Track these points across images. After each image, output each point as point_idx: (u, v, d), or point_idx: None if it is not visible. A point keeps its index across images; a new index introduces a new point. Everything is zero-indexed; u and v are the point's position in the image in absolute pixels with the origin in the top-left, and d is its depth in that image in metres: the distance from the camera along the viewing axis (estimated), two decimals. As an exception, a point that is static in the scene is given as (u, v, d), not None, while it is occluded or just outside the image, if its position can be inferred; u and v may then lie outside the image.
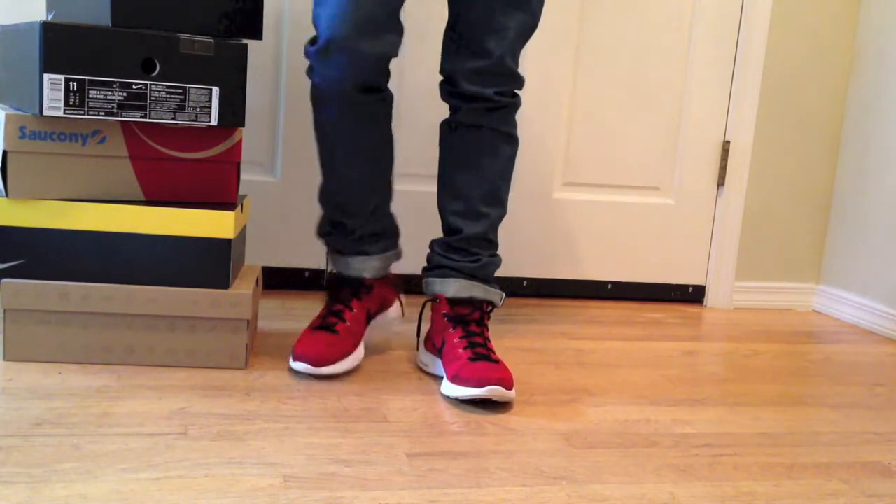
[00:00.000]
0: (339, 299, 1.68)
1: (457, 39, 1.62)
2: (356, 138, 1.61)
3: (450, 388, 1.54)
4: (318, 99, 1.60)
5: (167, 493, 1.14)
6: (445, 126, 1.70)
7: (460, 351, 1.56)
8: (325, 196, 1.69)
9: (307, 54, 1.55)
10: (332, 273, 1.72)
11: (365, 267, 1.70)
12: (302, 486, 1.19)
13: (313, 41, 1.53)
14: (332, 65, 1.51)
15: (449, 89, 1.65)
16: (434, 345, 1.66)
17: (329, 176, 1.66)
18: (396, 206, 2.30)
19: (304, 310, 2.05)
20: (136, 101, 1.52)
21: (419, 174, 2.25)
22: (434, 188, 2.27)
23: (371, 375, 1.64)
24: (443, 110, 1.98)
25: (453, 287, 1.66)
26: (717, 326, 2.27)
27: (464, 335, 1.59)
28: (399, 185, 2.23)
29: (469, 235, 1.67)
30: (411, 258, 2.32)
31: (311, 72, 1.57)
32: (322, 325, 1.64)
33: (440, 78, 1.68)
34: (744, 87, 2.39)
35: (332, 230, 1.70)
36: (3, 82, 1.68)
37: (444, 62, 1.65)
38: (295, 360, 1.60)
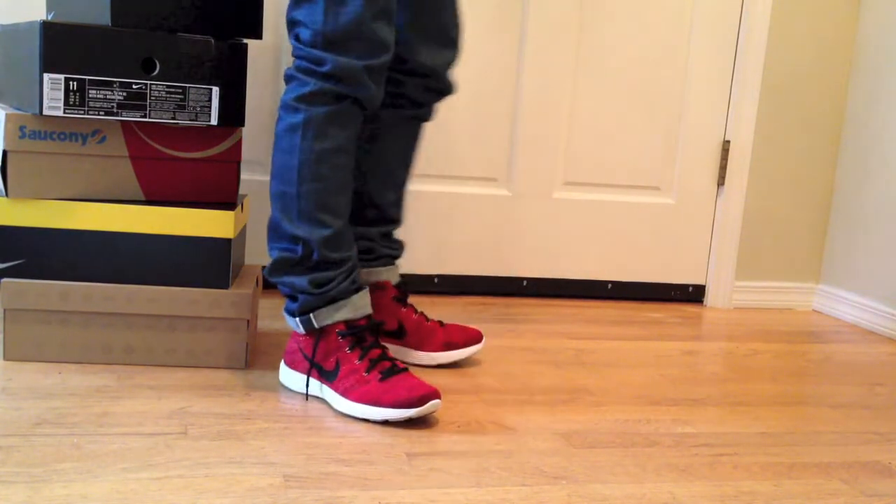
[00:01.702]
0: (372, 343, 1.52)
1: (423, 31, 1.61)
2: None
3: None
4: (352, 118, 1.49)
5: (167, 492, 1.14)
6: (416, 122, 1.71)
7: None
8: (328, 241, 1.48)
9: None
10: (344, 327, 1.51)
11: (367, 301, 1.55)
12: (302, 485, 1.19)
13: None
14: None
15: (429, 84, 1.65)
16: (387, 329, 1.72)
17: (336, 211, 1.49)
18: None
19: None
20: (135, 100, 1.52)
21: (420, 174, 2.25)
22: (427, 187, 2.27)
23: (371, 375, 1.64)
24: (443, 111, 2.00)
25: (396, 274, 1.74)
26: (717, 326, 2.27)
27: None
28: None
29: (399, 225, 1.75)
30: (410, 257, 2.32)
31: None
32: (392, 369, 1.47)
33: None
34: (744, 87, 2.39)
35: (321, 284, 1.49)
36: (3, 82, 1.68)
37: (418, 56, 1.62)
38: (416, 405, 1.42)
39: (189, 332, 1.58)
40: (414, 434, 1.39)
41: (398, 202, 1.73)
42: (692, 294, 2.48)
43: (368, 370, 1.45)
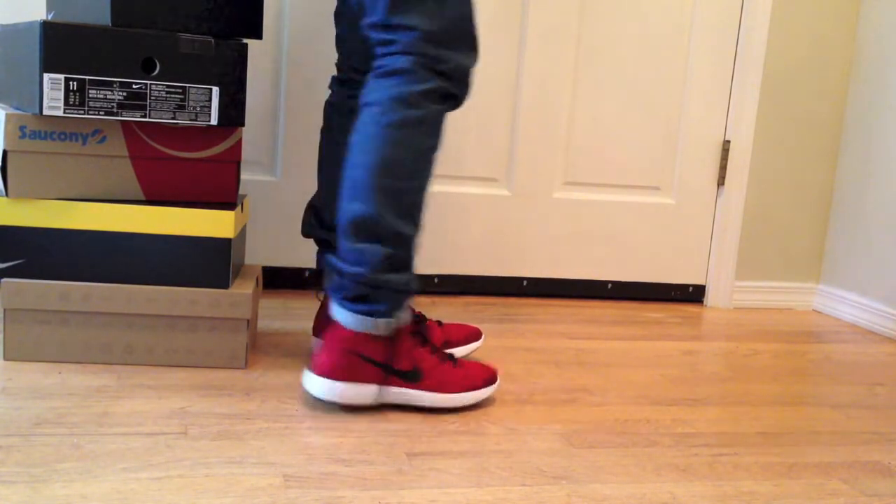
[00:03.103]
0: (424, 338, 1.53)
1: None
2: None
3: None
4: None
5: (167, 492, 1.14)
6: None
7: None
8: (417, 240, 1.49)
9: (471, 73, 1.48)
10: (413, 326, 1.52)
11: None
12: (302, 485, 1.19)
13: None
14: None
15: None
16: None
17: (423, 210, 1.50)
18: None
19: (304, 309, 2.05)
20: (136, 100, 1.52)
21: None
22: (446, 188, 2.27)
23: (371, 375, 1.64)
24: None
25: None
26: (717, 326, 2.27)
27: None
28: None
29: None
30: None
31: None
32: (450, 355, 1.53)
33: None
34: (744, 87, 2.39)
35: (410, 283, 1.48)
36: (3, 82, 1.68)
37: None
38: (495, 379, 1.54)
39: (189, 332, 1.58)
40: (414, 434, 1.40)
41: None
42: (692, 294, 2.48)
43: (443, 361, 1.50)
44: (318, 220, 1.69)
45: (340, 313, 1.44)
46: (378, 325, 1.44)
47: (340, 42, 1.70)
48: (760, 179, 2.45)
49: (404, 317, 1.47)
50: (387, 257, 1.42)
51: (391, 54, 1.42)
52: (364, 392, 1.45)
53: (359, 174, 1.41)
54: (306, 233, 1.71)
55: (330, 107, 1.71)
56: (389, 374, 1.46)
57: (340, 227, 1.44)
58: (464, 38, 1.44)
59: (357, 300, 1.43)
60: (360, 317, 1.43)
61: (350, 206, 1.42)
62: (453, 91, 1.45)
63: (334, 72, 2.15)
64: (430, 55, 1.41)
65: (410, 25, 1.40)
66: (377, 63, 1.44)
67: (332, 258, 1.46)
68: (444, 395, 1.49)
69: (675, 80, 2.37)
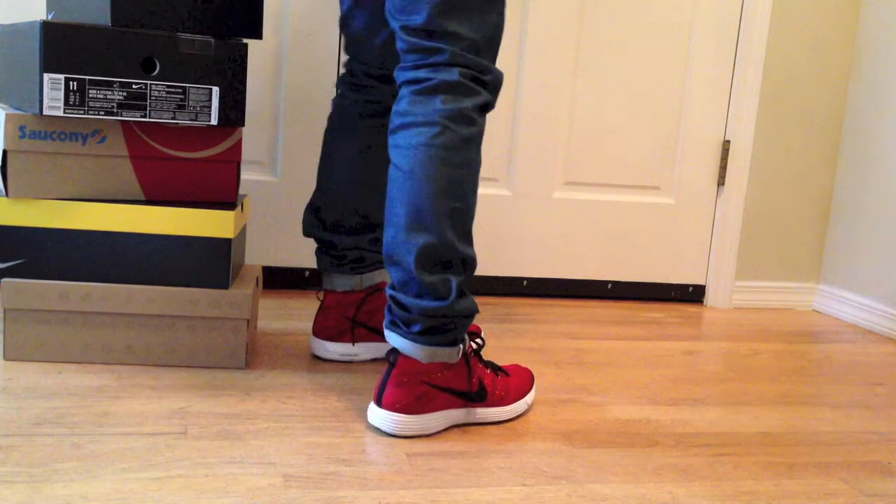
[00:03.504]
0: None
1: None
2: None
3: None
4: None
5: (167, 492, 1.14)
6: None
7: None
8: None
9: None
10: (474, 346, 1.52)
11: None
12: (302, 485, 1.19)
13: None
14: None
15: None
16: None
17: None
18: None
19: (304, 310, 2.05)
20: (136, 100, 1.52)
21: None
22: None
23: (371, 375, 1.64)
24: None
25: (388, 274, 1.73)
26: (717, 326, 2.27)
27: None
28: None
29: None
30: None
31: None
32: (491, 363, 1.54)
33: None
34: (744, 87, 2.39)
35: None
36: (3, 82, 1.68)
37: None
38: (531, 386, 1.56)
39: (189, 332, 1.58)
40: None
41: (381, 205, 1.68)
42: (692, 294, 2.48)
43: (496, 374, 1.50)
44: (320, 221, 1.68)
45: (409, 347, 1.37)
46: (451, 354, 1.39)
47: (354, 45, 1.63)
48: (760, 179, 2.45)
49: (468, 339, 1.44)
50: (458, 285, 1.37)
51: (436, 66, 1.34)
52: (439, 421, 1.41)
53: (423, 202, 1.33)
54: (307, 232, 1.71)
55: (339, 110, 1.66)
56: (463, 398, 1.43)
57: (402, 258, 1.35)
58: (496, 48, 1.39)
59: (428, 332, 1.36)
60: (433, 348, 1.37)
61: (417, 238, 1.33)
62: (493, 103, 1.39)
63: (334, 72, 2.15)
64: (475, 66, 1.35)
65: (457, 33, 1.33)
66: (416, 75, 1.35)
67: (395, 293, 1.38)
68: (507, 408, 1.48)
69: (675, 80, 2.37)
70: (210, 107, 1.57)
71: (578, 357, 1.89)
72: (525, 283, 2.37)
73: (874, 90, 2.37)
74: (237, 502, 1.13)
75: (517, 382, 1.52)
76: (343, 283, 1.68)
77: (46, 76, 1.47)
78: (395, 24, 1.37)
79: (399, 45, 1.38)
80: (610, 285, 2.43)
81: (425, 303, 1.35)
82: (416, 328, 1.36)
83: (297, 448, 1.31)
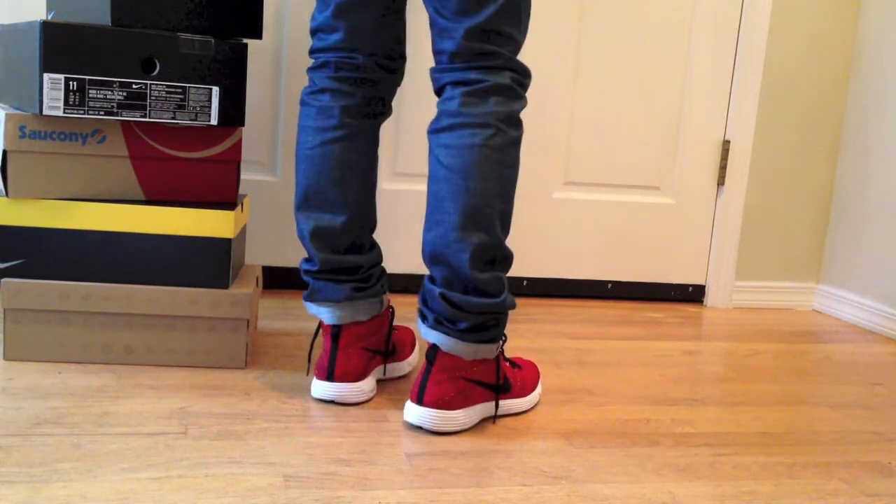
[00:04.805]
0: None
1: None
2: None
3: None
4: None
5: (167, 492, 1.14)
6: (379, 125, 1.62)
7: None
8: None
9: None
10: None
11: None
12: (302, 485, 1.19)
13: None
14: None
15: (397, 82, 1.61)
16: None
17: None
18: (409, 206, 2.30)
19: (303, 310, 2.05)
20: (135, 100, 1.52)
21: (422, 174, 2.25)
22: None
23: (371, 375, 1.64)
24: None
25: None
26: (717, 326, 2.27)
27: None
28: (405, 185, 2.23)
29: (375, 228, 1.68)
30: (411, 257, 2.33)
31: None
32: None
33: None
34: (744, 87, 2.39)
35: None
36: (3, 82, 1.68)
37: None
38: (539, 377, 1.60)
39: (189, 332, 1.58)
40: (414, 434, 1.40)
41: (375, 207, 1.56)
42: (692, 294, 2.48)
43: (513, 367, 1.53)
44: (331, 246, 1.53)
45: (454, 344, 1.37)
46: (492, 350, 1.41)
47: (359, 37, 1.46)
48: (760, 179, 2.45)
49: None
50: (505, 282, 1.41)
51: (489, 69, 1.35)
52: (476, 415, 1.44)
53: (478, 202, 1.34)
54: (319, 266, 1.56)
55: (343, 111, 1.47)
56: (493, 391, 1.46)
57: (453, 257, 1.35)
58: None
59: (474, 329, 1.38)
60: (477, 345, 1.39)
61: (471, 237, 1.34)
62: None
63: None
64: (521, 71, 1.38)
65: (511, 35, 1.35)
66: (467, 76, 1.35)
67: (444, 291, 1.37)
68: (527, 398, 1.54)
69: (675, 80, 2.37)
70: (210, 107, 1.57)
71: (578, 357, 1.89)
72: (525, 283, 2.37)
73: (874, 90, 2.37)
74: (237, 502, 1.13)
75: (529, 374, 1.56)
76: (369, 308, 1.50)
77: (46, 76, 1.47)
78: (446, 24, 1.35)
79: (447, 45, 1.36)
80: (610, 285, 2.43)
81: (477, 300, 1.36)
82: (463, 325, 1.37)
83: (297, 448, 1.31)
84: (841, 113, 2.47)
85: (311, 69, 1.50)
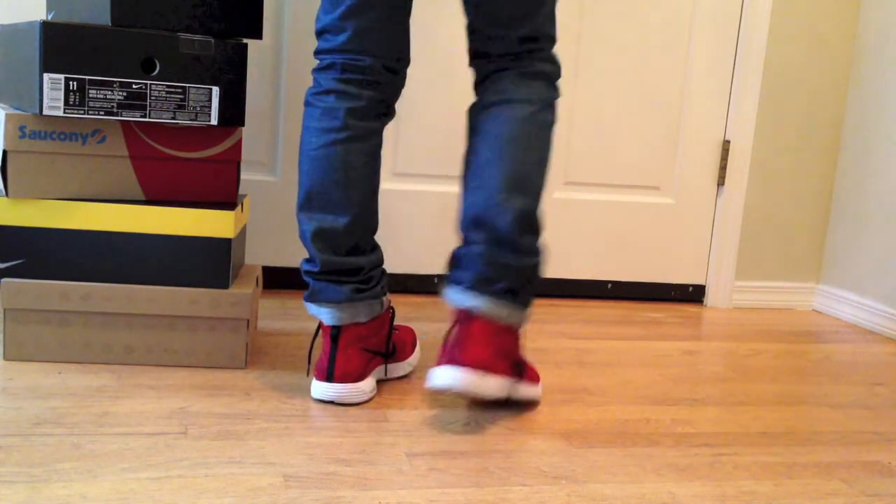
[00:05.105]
0: None
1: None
2: None
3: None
4: None
5: (167, 492, 1.14)
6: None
7: None
8: None
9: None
10: None
11: None
12: (302, 485, 1.19)
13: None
14: None
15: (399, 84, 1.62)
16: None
17: None
18: (416, 206, 2.30)
19: (303, 310, 2.05)
20: (135, 100, 1.52)
21: (424, 174, 2.25)
22: (427, 187, 2.27)
23: (371, 375, 1.64)
24: (444, 110, 1.97)
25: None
26: (717, 326, 2.27)
27: None
28: (410, 185, 2.23)
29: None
30: (410, 257, 2.33)
31: None
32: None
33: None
34: (744, 87, 2.39)
35: None
36: (3, 82, 1.68)
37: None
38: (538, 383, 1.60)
39: (189, 332, 1.58)
40: (414, 434, 1.40)
41: (377, 209, 1.55)
42: (692, 294, 2.48)
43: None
44: (332, 248, 1.50)
45: (495, 306, 1.41)
46: (523, 318, 1.46)
47: (366, 38, 1.45)
48: (760, 179, 2.45)
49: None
50: (541, 248, 1.47)
51: (539, 58, 1.48)
52: (501, 386, 1.43)
53: (524, 169, 1.43)
54: (321, 268, 1.54)
55: (348, 112, 1.45)
56: (515, 366, 1.47)
57: (496, 218, 1.41)
58: None
59: (511, 292, 1.43)
60: (515, 307, 1.43)
61: (515, 200, 1.42)
62: None
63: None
64: (557, 64, 1.51)
65: (552, 35, 1.50)
66: (516, 63, 1.47)
67: (487, 250, 1.42)
68: (537, 387, 1.57)
69: (675, 80, 2.37)
70: (210, 107, 1.57)
71: (578, 357, 1.89)
72: (525, 283, 2.37)
73: (874, 90, 2.37)
74: (237, 502, 1.13)
75: (531, 370, 1.57)
76: (369, 310, 1.50)
77: (46, 76, 1.47)
78: (496, 32, 1.46)
79: (496, 48, 1.47)
80: (610, 285, 2.43)
81: (524, 260, 1.43)
82: (499, 286, 1.42)
83: (297, 448, 1.31)
84: (841, 113, 2.47)
85: (316, 70, 1.49)
